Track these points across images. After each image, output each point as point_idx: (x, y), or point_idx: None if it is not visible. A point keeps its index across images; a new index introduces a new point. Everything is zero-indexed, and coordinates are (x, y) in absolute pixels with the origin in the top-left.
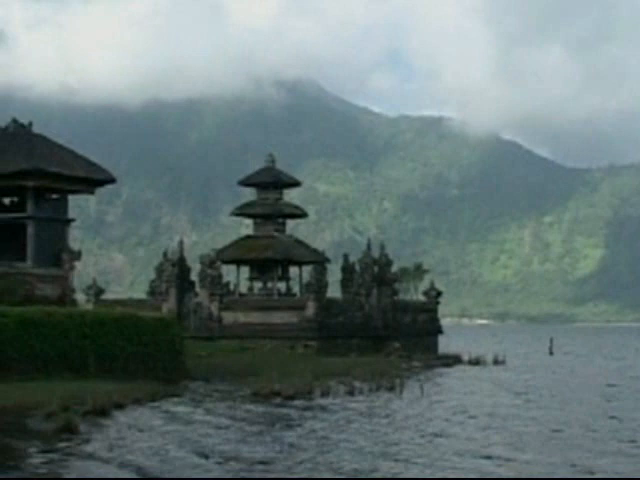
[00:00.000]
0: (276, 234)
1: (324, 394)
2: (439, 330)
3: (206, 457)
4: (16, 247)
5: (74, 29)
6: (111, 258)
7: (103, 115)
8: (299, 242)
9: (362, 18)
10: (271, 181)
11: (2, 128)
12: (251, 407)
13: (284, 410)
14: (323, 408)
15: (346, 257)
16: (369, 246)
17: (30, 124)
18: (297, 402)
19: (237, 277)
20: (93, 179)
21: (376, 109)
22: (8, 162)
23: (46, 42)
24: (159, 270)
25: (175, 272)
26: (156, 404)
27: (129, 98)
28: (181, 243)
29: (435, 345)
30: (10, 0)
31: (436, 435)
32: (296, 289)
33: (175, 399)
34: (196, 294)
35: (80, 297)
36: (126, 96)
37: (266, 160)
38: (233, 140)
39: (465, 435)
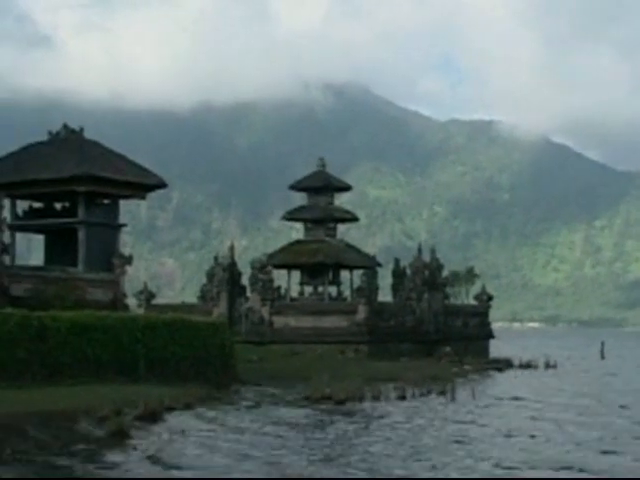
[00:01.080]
0: (327, 238)
1: (375, 398)
2: (490, 334)
3: (250, 462)
4: (68, 252)
5: (122, 34)
6: (162, 263)
7: (153, 119)
8: (350, 246)
9: (410, 21)
10: (322, 185)
11: (53, 134)
12: (302, 411)
13: (335, 415)
14: (373, 412)
15: (397, 261)
16: (420, 250)
17: (81, 129)
18: (348, 406)
19: (288, 281)
20: (144, 184)
21: (426, 112)
22: (60, 167)
23: (94, 47)
24: (210, 275)
25: (226, 277)
26: (207, 408)
27: (178, 102)
28: (232, 248)
29: (486, 349)
30: (57, 6)
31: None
32: (347, 293)
33: (226, 403)
34: (247, 299)
35: (131, 302)
36: (175, 100)
37: (317, 164)
38: (283, 144)
39: (519, 439)
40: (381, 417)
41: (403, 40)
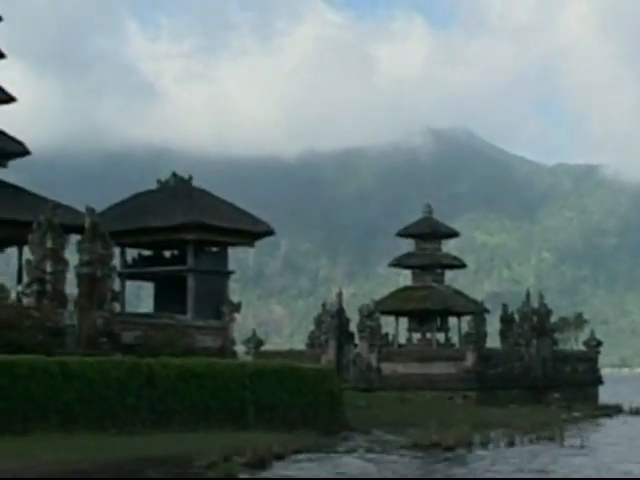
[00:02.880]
0: (434, 285)
1: (483, 445)
2: (599, 380)
3: None
4: (177, 299)
5: (224, 82)
6: (270, 310)
7: (259, 166)
8: (457, 292)
9: (512, 65)
10: (429, 232)
11: (163, 182)
12: (411, 458)
13: (444, 462)
14: (482, 458)
15: (505, 307)
16: (528, 296)
17: (190, 178)
18: (456, 453)
19: (396, 328)
20: (252, 232)
21: (531, 157)
22: (169, 216)
23: (198, 95)
24: (318, 321)
25: (334, 323)
26: (315, 455)
27: (283, 149)
28: (340, 294)
29: (595, 395)
30: (159, 55)
31: None
32: (455, 340)
33: (334, 450)
34: (355, 345)
35: (240, 349)
36: (280, 147)
37: (424, 210)
38: (389, 190)
39: None
40: (492, 464)
41: (505, 83)
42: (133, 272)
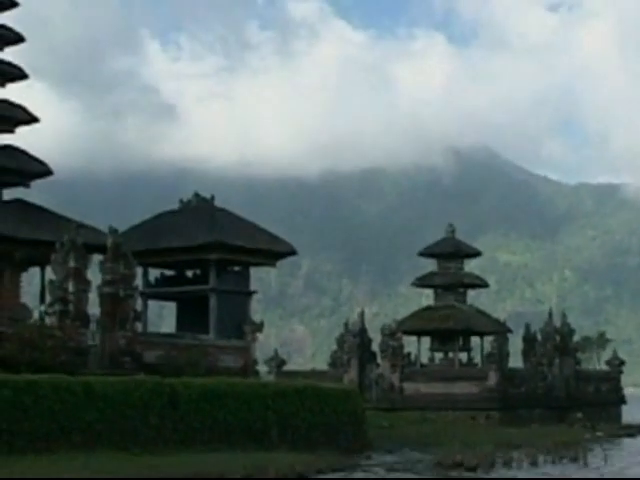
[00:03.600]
0: (457, 304)
1: (506, 465)
2: (622, 400)
3: None
4: (199, 319)
5: (245, 102)
6: (292, 329)
7: (281, 186)
8: (480, 312)
9: (533, 84)
10: (452, 251)
11: (185, 202)
12: (434, 478)
13: None
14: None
15: (527, 327)
16: (551, 315)
17: (212, 198)
18: (479, 473)
19: (418, 347)
20: (274, 251)
21: (553, 176)
22: (191, 236)
23: (219, 115)
24: (340, 341)
25: (356, 343)
26: (339, 475)
27: (305, 169)
28: (362, 314)
29: (619, 415)
30: (179, 76)
31: None
32: (477, 359)
33: (358, 470)
34: (377, 365)
35: (262, 368)
36: (302, 167)
37: (446, 230)
38: (411, 210)
39: None
40: None
41: (526, 102)
42: (155, 292)
